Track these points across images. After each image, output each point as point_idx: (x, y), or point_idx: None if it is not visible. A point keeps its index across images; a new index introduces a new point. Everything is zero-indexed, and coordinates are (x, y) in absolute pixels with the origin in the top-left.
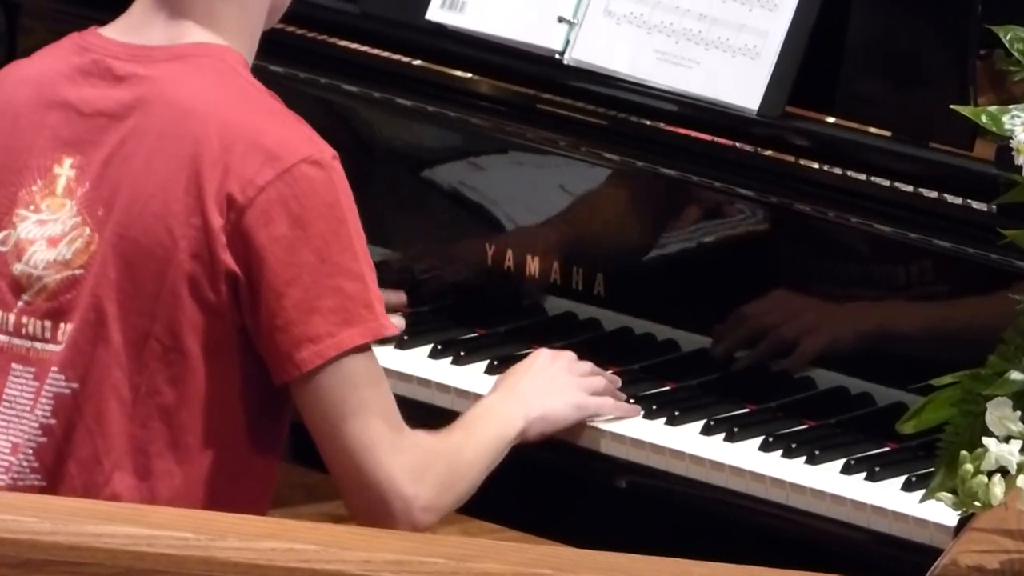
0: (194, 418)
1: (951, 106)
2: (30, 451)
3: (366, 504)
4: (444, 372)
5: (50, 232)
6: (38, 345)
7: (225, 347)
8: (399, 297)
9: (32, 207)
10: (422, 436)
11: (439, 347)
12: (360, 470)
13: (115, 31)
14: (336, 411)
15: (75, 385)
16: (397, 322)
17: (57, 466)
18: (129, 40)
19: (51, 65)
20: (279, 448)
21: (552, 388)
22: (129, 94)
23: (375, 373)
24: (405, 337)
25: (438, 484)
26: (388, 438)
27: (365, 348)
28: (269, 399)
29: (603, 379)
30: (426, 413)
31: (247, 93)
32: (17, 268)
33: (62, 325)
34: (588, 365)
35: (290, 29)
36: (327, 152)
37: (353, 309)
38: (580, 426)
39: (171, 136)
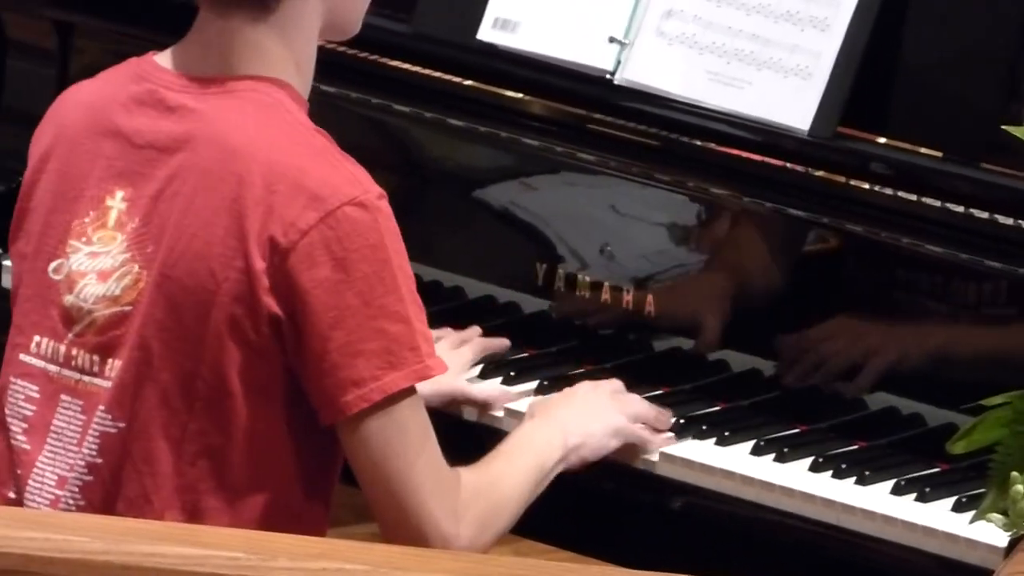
0: (242, 457)
1: (1002, 126)
2: (76, 489)
3: (407, 542)
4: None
5: (101, 266)
6: (86, 378)
7: (271, 387)
8: (502, 343)
9: (84, 239)
10: (464, 475)
11: (490, 367)
12: (402, 511)
13: (171, 59)
14: (380, 453)
15: (122, 424)
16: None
17: (105, 505)
18: (183, 70)
19: (109, 91)
20: (330, 493)
21: (591, 415)
22: (179, 128)
23: (420, 415)
24: None
25: (478, 523)
26: (432, 480)
27: (411, 391)
28: (319, 439)
29: (645, 405)
30: (477, 434)
31: (293, 131)
32: (68, 300)
33: (110, 360)
34: (631, 395)
35: (341, 49)
36: (372, 192)
37: (398, 352)
38: (631, 446)
39: (215, 176)
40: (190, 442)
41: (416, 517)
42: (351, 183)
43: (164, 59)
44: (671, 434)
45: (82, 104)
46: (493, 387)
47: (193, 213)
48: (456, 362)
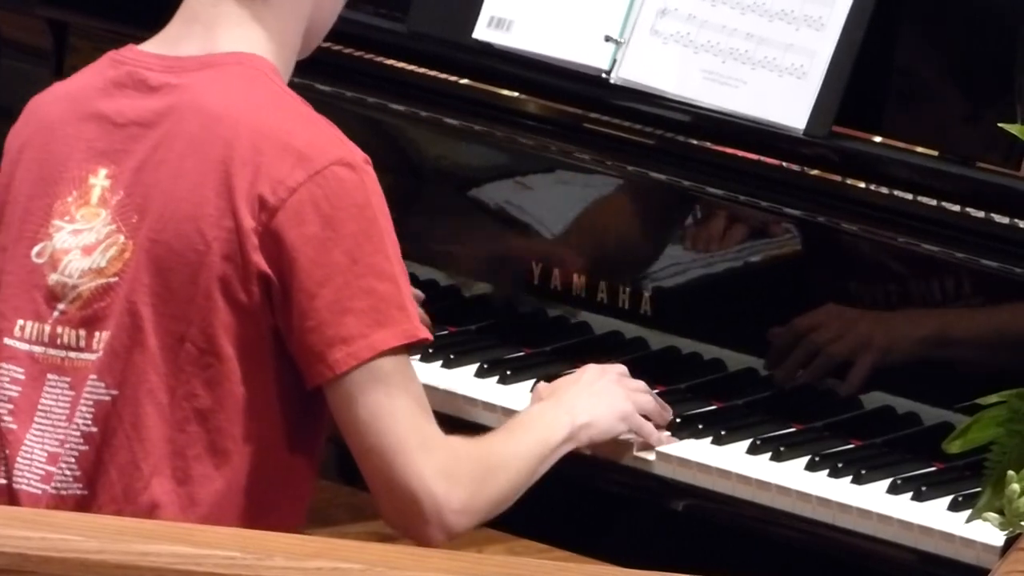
0: (231, 421)
1: (998, 124)
2: (72, 459)
3: (397, 507)
4: (490, 391)
5: (85, 241)
6: (72, 355)
7: (259, 349)
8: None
9: (67, 217)
10: (455, 439)
11: (485, 366)
12: (391, 470)
13: (151, 45)
14: (368, 412)
15: (114, 392)
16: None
17: (97, 473)
18: (164, 52)
19: (87, 81)
20: (318, 450)
21: (599, 397)
22: (162, 103)
23: (408, 374)
24: (452, 356)
25: (470, 485)
26: (419, 439)
27: (399, 350)
28: (306, 401)
29: (650, 397)
30: (472, 432)
31: (277, 97)
32: (53, 278)
33: (97, 333)
34: (637, 382)
35: (337, 48)
36: (358, 155)
37: (386, 310)
38: (627, 445)
39: (201, 141)
40: (179, 407)
41: (403, 475)
42: (338, 144)
43: (144, 45)
44: (669, 433)
45: (60, 98)
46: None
47: (181, 177)
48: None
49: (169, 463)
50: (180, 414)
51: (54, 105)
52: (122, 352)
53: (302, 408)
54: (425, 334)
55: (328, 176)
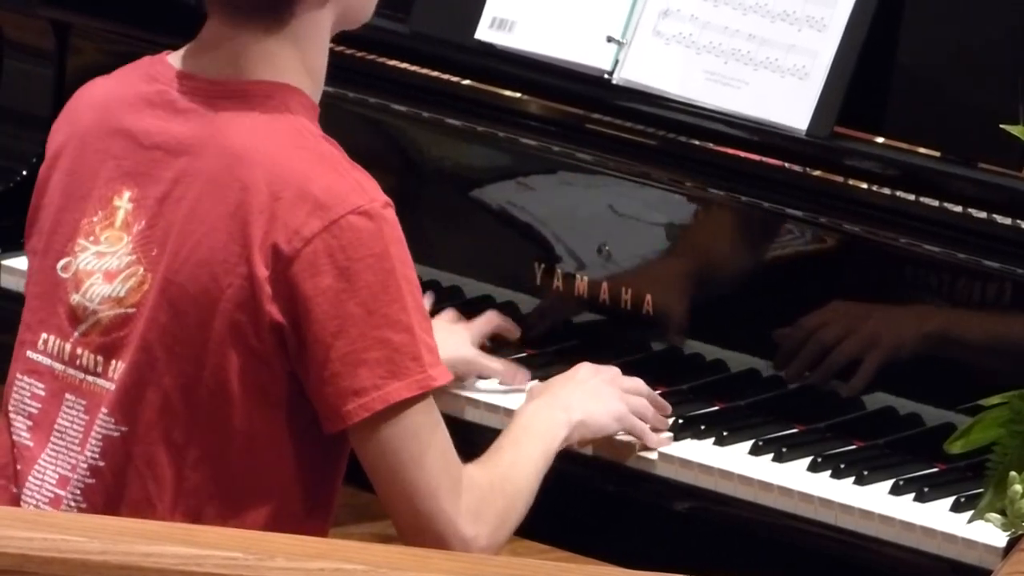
0: (243, 464)
1: (1000, 125)
2: (78, 491)
3: (425, 545)
4: (492, 392)
5: (107, 266)
6: (90, 378)
7: (272, 394)
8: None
9: (92, 238)
10: (476, 473)
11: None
12: (419, 516)
13: (183, 61)
14: (392, 460)
15: (124, 428)
16: (521, 377)
17: (108, 508)
18: (196, 72)
19: (120, 91)
20: (332, 502)
21: (593, 396)
22: (187, 130)
23: (431, 421)
24: None
25: (496, 520)
26: (447, 484)
27: (417, 399)
28: (320, 448)
29: (644, 400)
30: (469, 433)
31: (299, 138)
32: (75, 299)
33: (113, 362)
34: (632, 380)
35: (339, 49)
36: (378, 201)
37: (400, 362)
38: (628, 445)
39: (220, 181)
40: (191, 448)
41: (434, 521)
42: (356, 191)
43: (176, 59)
44: (670, 434)
45: (95, 103)
46: (505, 362)
47: (197, 219)
48: (461, 334)
49: (182, 502)
50: (192, 454)
51: (89, 111)
52: (134, 389)
53: (317, 454)
54: (442, 381)
55: (344, 226)
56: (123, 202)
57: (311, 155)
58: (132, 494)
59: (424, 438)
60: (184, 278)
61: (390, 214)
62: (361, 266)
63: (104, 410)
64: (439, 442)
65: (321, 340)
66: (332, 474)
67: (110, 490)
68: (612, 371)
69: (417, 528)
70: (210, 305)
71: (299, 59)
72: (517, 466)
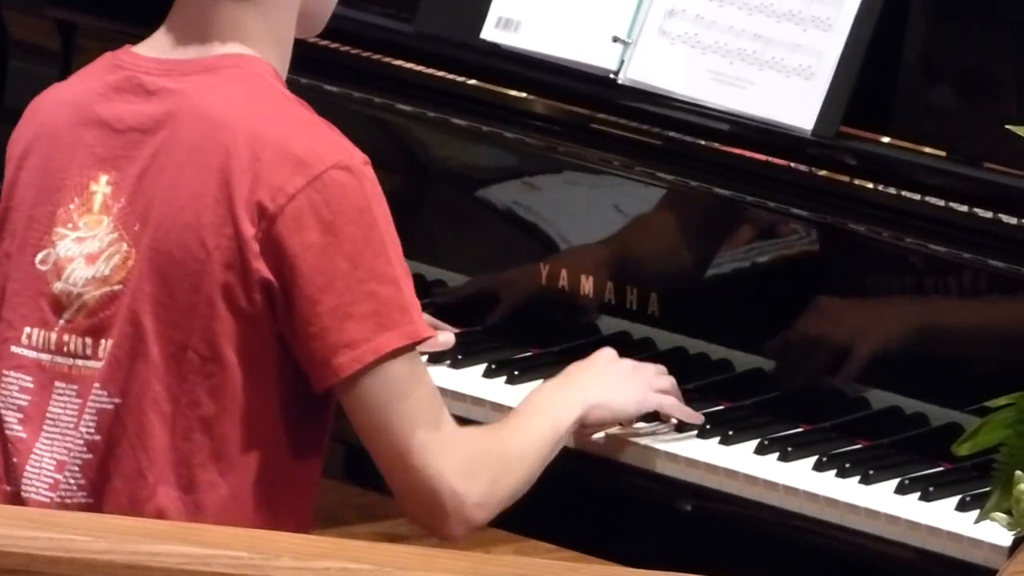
0: (235, 428)
1: (1006, 125)
2: (76, 468)
3: (418, 504)
4: (498, 391)
5: (88, 249)
6: (80, 363)
7: (263, 356)
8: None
9: (70, 225)
10: (471, 432)
11: (493, 366)
12: (410, 471)
13: (148, 48)
14: (381, 414)
15: (117, 400)
16: (446, 338)
17: (102, 482)
18: (161, 55)
19: (87, 85)
20: (322, 451)
21: (612, 379)
22: (160, 108)
23: (418, 374)
24: (459, 356)
25: (489, 479)
26: (437, 438)
27: (405, 350)
28: (309, 405)
29: (669, 380)
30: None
31: (276, 102)
32: (57, 287)
33: (102, 342)
34: (654, 367)
35: (344, 49)
36: (357, 158)
37: (388, 313)
38: (634, 445)
39: (201, 148)
40: (183, 415)
41: (424, 476)
42: (336, 149)
43: (141, 48)
44: (696, 415)
45: (62, 102)
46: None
47: (181, 186)
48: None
49: (174, 471)
50: (184, 422)
51: (57, 112)
52: (124, 361)
53: (306, 413)
54: (429, 333)
55: (327, 181)
56: (100, 186)
57: (288, 116)
58: (124, 466)
59: (412, 391)
60: (171, 245)
61: (370, 171)
62: (344, 220)
63: (97, 384)
64: (427, 396)
65: (308, 295)
66: (321, 431)
67: (104, 463)
68: (633, 361)
69: (409, 484)
70: (199, 269)
71: (267, 30)
72: (518, 434)
